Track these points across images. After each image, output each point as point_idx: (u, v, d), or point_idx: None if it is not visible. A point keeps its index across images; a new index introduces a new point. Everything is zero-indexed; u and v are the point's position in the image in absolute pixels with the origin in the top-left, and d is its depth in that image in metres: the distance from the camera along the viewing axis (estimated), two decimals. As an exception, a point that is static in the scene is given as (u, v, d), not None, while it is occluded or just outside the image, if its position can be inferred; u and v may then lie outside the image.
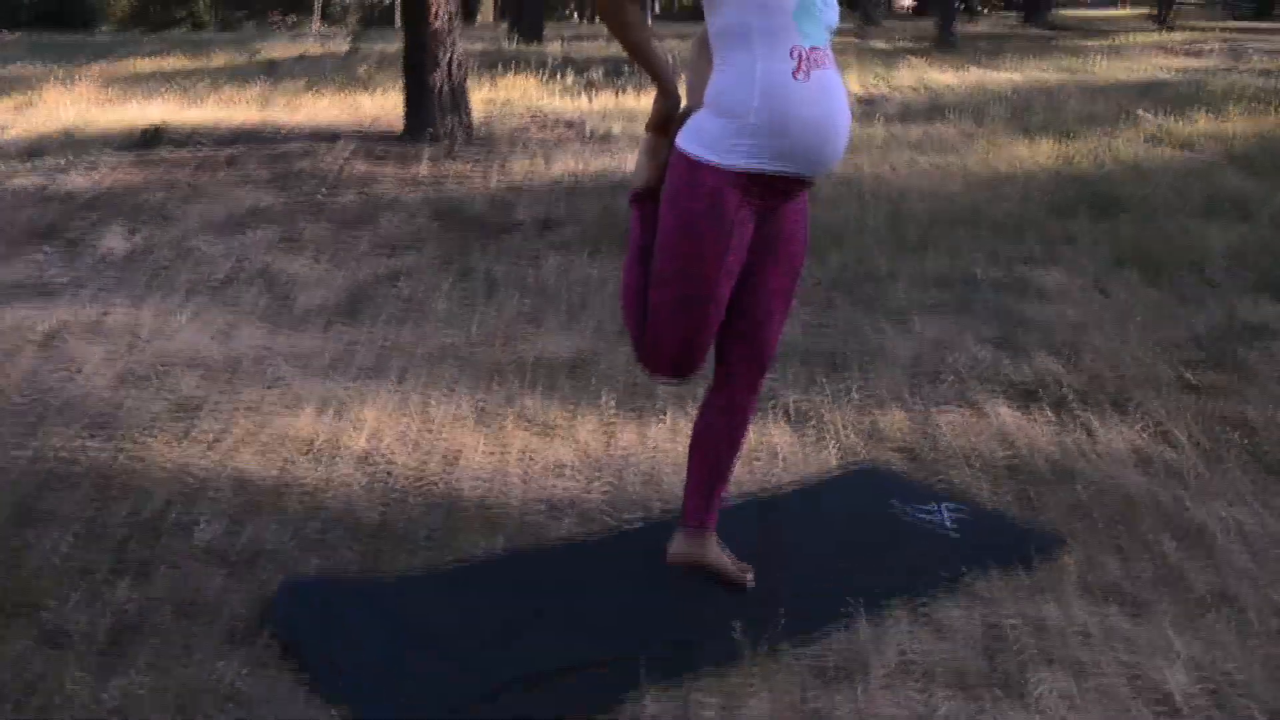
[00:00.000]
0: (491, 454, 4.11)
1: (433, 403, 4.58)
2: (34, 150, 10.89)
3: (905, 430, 4.36)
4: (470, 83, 12.34)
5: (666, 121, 2.92)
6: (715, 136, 2.74)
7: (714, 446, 3.12)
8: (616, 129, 11.80)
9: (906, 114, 12.31)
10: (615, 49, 20.23)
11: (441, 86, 11.06)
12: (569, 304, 6.22)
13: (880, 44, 19.72)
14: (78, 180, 9.64)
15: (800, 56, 2.68)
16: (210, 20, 37.78)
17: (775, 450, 4.18)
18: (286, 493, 3.77)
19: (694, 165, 2.76)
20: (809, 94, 2.68)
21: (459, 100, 11.24)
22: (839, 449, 4.20)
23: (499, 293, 6.49)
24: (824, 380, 4.91)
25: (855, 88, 14.05)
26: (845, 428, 4.37)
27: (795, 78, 2.67)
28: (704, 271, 2.79)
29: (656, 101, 2.97)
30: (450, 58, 11.13)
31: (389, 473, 3.94)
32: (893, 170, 9.49)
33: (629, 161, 9.96)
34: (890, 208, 8.05)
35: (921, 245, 7.12)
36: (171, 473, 3.90)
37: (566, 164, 10.10)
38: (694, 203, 2.76)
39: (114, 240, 7.61)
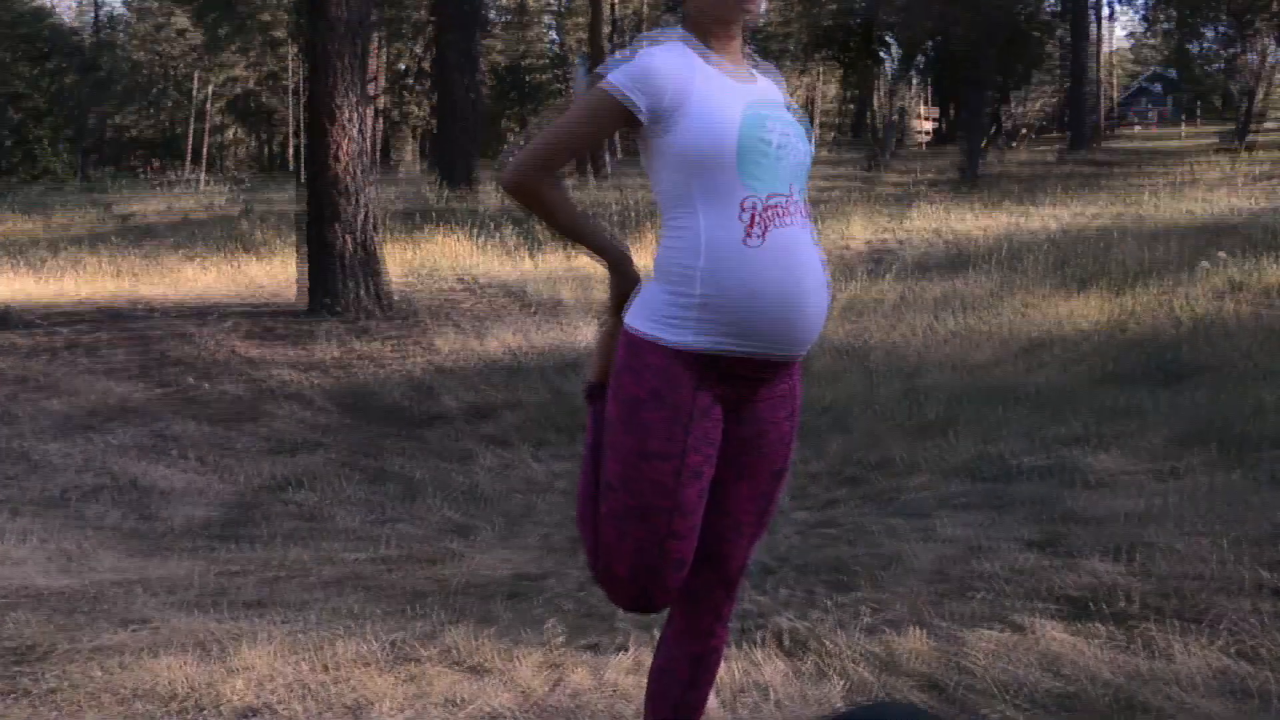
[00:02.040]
0: (408, 703, 4.10)
1: (334, 641, 4.58)
2: None
3: (928, 658, 4.39)
4: (386, 243, 12.65)
5: (623, 302, 3.00)
6: (661, 308, 2.83)
7: (675, 692, 3.12)
8: (567, 295, 12.07)
9: (924, 267, 12.67)
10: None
11: (348, 248, 11.33)
12: (507, 512, 6.28)
13: (892, 183, 20.34)
14: (-106, 376, 9.74)
15: (754, 213, 2.79)
16: (70, 175, 38.58)
17: (765, 687, 4.20)
18: (146, 761, 3.76)
19: (637, 343, 2.85)
20: (765, 259, 2.77)
21: (371, 264, 11.51)
22: (845, 684, 4.22)
23: (420, 500, 6.56)
24: (826, 597, 4.95)
25: (861, 236, 14.46)
26: (853, 657, 4.40)
27: (746, 242, 2.77)
28: (656, 474, 2.83)
29: (611, 281, 3.07)
30: (360, 212, 11.43)
31: (275, 732, 3.93)
32: (908, 336, 9.72)
33: (582, 334, 10.17)
34: (905, 382, 8.23)
35: (944, 427, 7.26)
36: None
37: (505, 339, 10.31)
38: (638, 387, 2.83)
39: (-63, 448, 7.67)
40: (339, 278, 11.25)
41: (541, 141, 2.89)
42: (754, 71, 2.99)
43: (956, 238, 14.54)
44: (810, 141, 2.97)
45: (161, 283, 13.46)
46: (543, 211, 2.94)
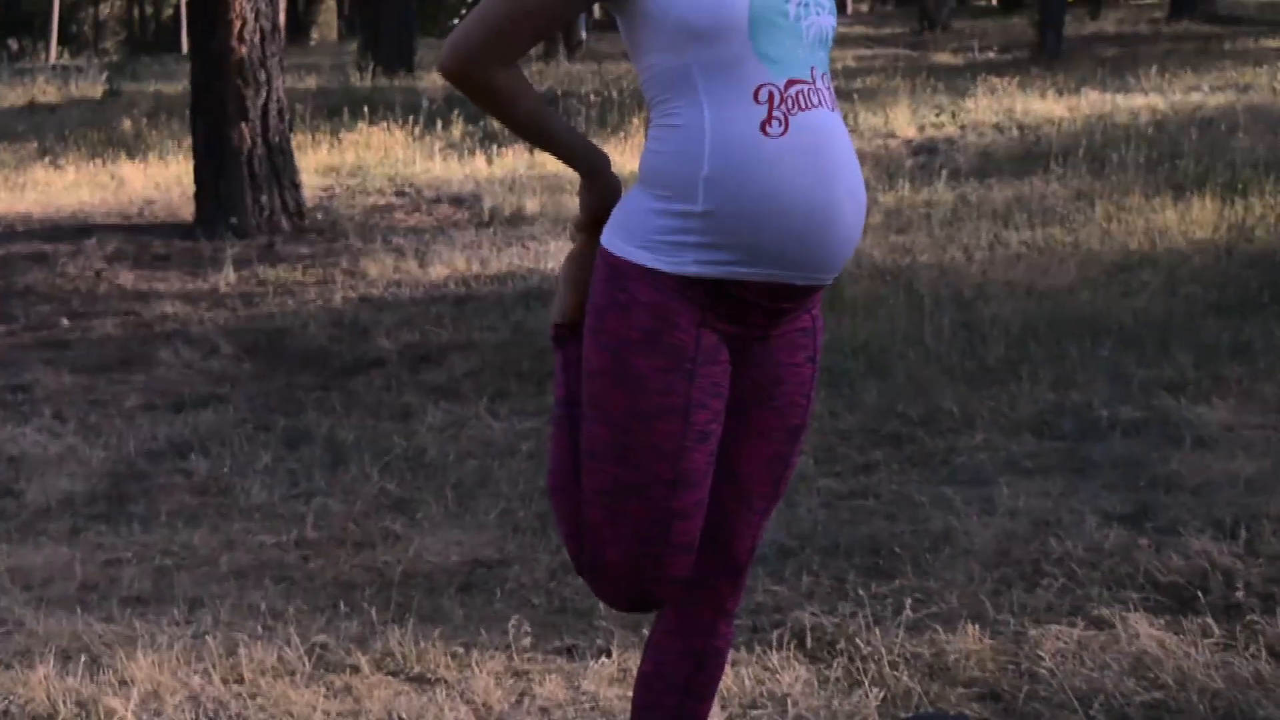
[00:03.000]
0: (337, 721, 4.20)
1: (243, 644, 4.67)
2: None
3: (986, 661, 4.47)
4: (301, 141, 12.67)
5: (600, 219, 3.03)
6: (651, 227, 2.84)
7: (669, 702, 3.16)
8: (531, 205, 12.12)
9: (986, 166, 12.71)
10: (536, 72, 20.69)
11: (253, 149, 11.34)
12: (458, 483, 6.35)
13: (946, 57, 20.31)
14: None
15: (772, 97, 2.78)
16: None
17: (782, 699, 4.29)
18: (11, 796, 3.87)
19: (622, 272, 2.86)
20: (788, 155, 2.77)
21: (282, 169, 11.54)
22: (883, 694, 4.31)
23: (348, 468, 6.63)
24: (859, 586, 5.04)
25: (907, 127, 14.48)
26: (892, 660, 4.48)
27: (766, 132, 2.77)
28: (655, 438, 2.85)
29: (582, 191, 3.10)
30: (268, 103, 11.43)
31: (174, 757, 4.03)
32: (965, 254, 9.77)
33: (551, 255, 10.22)
34: (961, 312, 8.29)
35: (1010, 370, 7.36)
36: None
37: (452, 263, 10.36)
38: (625, 328, 2.85)
39: None
40: (241, 186, 11.28)
41: (492, 12, 2.85)
42: None
43: (1028, 128, 14.57)
44: (833, 10, 2.95)
45: (14, 194, 13.47)
46: (493, 105, 2.94)
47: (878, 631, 4.67)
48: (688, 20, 2.76)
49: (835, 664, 4.50)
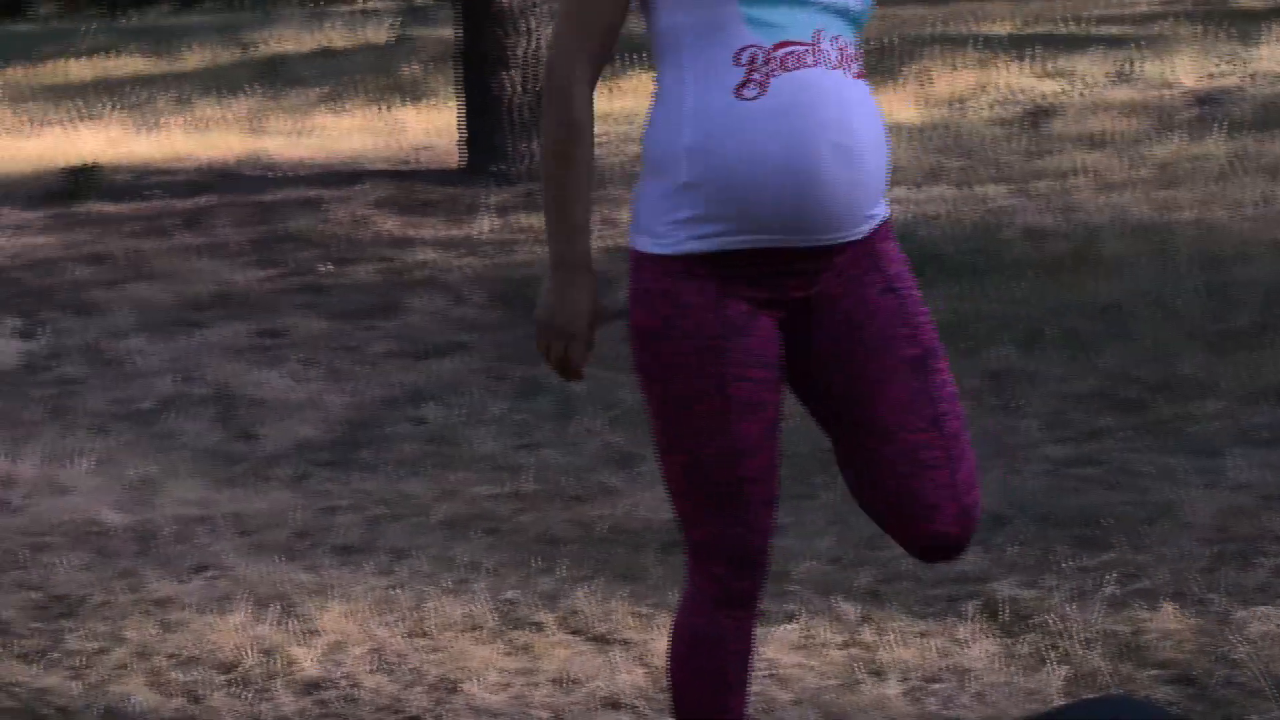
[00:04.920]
0: (508, 681, 4.22)
1: (434, 597, 4.74)
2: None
3: (1185, 643, 4.33)
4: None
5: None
6: (652, 211, 2.81)
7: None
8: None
9: (1269, 119, 12.24)
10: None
11: (518, 95, 11.39)
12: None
13: (1250, 1, 19.57)
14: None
15: (754, 59, 2.69)
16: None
17: (964, 672, 4.21)
18: (188, 743, 3.98)
19: (635, 264, 2.85)
20: (764, 116, 2.68)
21: (545, 116, 11.59)
22: (1068, 672, 4.19)
23: (578, 419, 6.67)
24: (1066, 559, 4.92)
25: (1189, 76, 14.03)
26: (1085, 637, 4.37)
27: (741, 94, 2.68)
28: (699, 421, 2.81)
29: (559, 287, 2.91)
30: (535, 50, 11.47)
31: (344, 713, 4.09)
32: (1232, 213, 9.46)
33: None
34: (1215, 274, 8.03)
35: (1257, 335, 7.10)
36: (14, 711, 4.13)
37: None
38: (649, 318, 2.82)
39: (1, 346, 8.07)
40: (505, 134, 11.38)
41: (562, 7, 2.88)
42: None
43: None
44: None
45: (294, 137, 13.82)
46: (557, 128, 2.84)
47: (1073, 606, 4.56)
48: None
49: (1025, 639, 4.39)
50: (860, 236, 2.81)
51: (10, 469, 6.17)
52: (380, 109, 15.01)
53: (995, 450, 5.89)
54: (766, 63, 2.68)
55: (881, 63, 15.35)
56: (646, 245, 2.81)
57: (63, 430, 6.72)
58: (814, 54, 2.71)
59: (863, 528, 5.26)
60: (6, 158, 13.12)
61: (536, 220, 10.33)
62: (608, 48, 2.88)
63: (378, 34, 20.08)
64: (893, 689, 4.12)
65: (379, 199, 11.12)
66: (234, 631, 4.52)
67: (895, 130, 12.49)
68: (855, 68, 2.78)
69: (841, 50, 2.74)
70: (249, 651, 4.39)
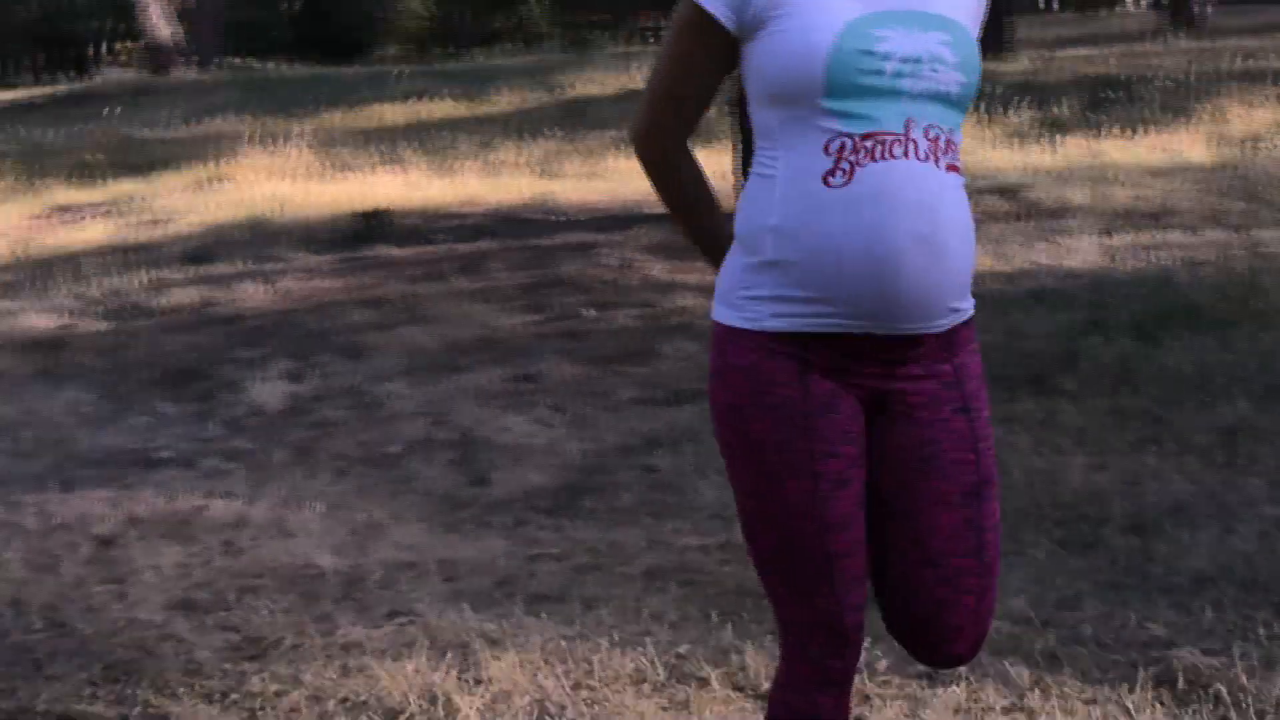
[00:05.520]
0: (665, 737, 4.25)
1: (606, 649, 4.78)
2: (203, 250, 12.18)
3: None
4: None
5: None
6: (736, 285, 2.86)
7: None
8: (1078, 198, 11.81)
9: None
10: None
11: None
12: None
13: None
14: (251, 294, 10.73)
15: (843, 148, 2.74)
16: (550, 31, 40.06)
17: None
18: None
19: (718, 337, 2.91)
20: (849, 204, 2.73)
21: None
22: (1244, 746, 4.07)
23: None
24: (1267, 624, 4.74)
25: None
26: (1260, 709, 4.21)
27: (828, 182, 2.74)
28: (789, 496, 2.83)
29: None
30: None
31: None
32: None
33: (1081, 252, 9.93)
34: None
35: None
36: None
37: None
38: (732, 394, 2.87)
39: (270, 389, 8.41)
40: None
41: (648, 81, 3.02)
42: None
43: None
44: (969, 69, 2.82)
45: (583, 180, 14.03)
46: (661, 180, 3.05)
47: (1258, 677, 4.40)
48: (766, 78, 2.80)
49: (1200, 710, 4.25)
50: (941, 330, 2.85)
51: (245, 511, 6.39)
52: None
53: (1213, 510, 5.71)
54: (855, 151, 2.74)
55: (1174, 100, 15.02)
56: (729, 318, 2.87)
57: (306, 473, 6.93)
58: (903, 144, 2.76)
59: (1062, 588, 5.19)
60: (307, 203, 13.62)
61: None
62: (698, 119, 3.01)
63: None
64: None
65: (650, 243, 11.24)
66: (406, 678, 4.61)
67: (1182, 170, 12.37)
68: (948, 159, 2.82)
69: (933, 141, 2.79)
70: (415, 698, 4.49)
